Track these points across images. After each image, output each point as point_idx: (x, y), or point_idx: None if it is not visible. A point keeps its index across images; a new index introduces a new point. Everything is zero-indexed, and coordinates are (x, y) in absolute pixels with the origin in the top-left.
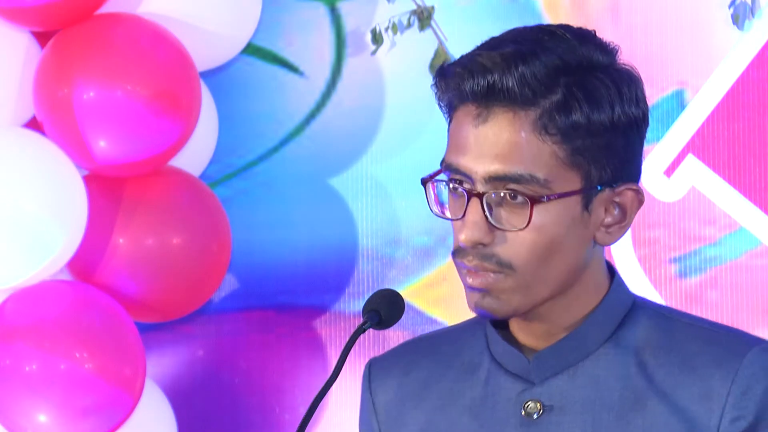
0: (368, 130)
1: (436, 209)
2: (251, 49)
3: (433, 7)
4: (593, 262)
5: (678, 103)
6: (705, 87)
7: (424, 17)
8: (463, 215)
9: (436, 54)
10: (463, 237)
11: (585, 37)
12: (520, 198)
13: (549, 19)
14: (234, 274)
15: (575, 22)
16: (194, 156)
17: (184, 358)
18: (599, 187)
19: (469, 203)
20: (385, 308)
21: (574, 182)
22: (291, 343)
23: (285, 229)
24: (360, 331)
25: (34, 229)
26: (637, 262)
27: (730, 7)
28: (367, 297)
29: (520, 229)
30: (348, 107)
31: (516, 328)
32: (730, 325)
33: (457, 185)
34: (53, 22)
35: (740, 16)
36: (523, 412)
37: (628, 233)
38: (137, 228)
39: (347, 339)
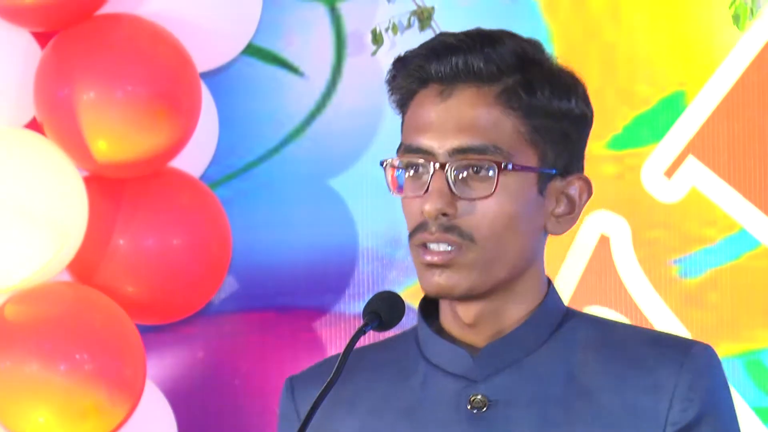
0: (368, 130)
1: (394, 191)
2: (251, 50)
3: (433, 8)
4: (538, 261)
5: (678, 103)
6: (705, 88)
7: (424, 18)
8: (426, 190)
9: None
10: (428, 207)
11: (535, 42)
12: (483, 167)
13: (549, 19)
14: (234, 275)
15: (575, 22)
16: (194, 157)
17: (184, 360)
18: (554, 171)
19: (433, 176)
20: (386, 310)
21: (531, 159)
22: (291, 344)
23: (285, 229)
24: (360, 332)
25: (35, 230)
26: (637, 263)
27: (730, 7)
28: (367, 298)
29: (485, 197)
30: (348, 108)
31: (456, 329)
32: (731, 326)
33: (418, 163)
34: (53, 23)
35: (740, 17)
36: (469, 406)
37: (628, 234)
38: (137, 229)
39: (348, 341)
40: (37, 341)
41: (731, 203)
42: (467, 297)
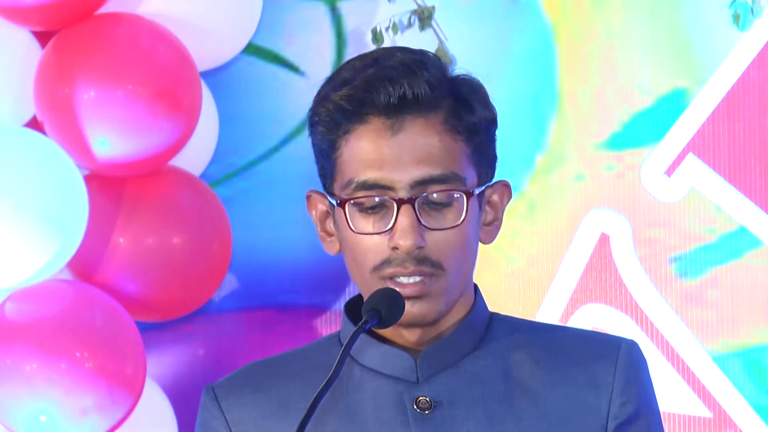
0: None
1: (355, 229)
2: (252, 49)
3: (433, 7)
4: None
5: (678, 103)
6: (705, 87)
7: (424, 17)
8: (393, 226)
9: (437, 54)
10: (405, 243)
11: (432, 54)
12: (449, 196)
13: (550, 18)
14: (234, 273)
15: (575, 22)
16: (195, 155)
17: (184, 358)
18: (490, 183)
19: (400, 211)
20: (386, 307)
21: (475, 180)
22: (292, 342)
23: (286, 228)
24: (360, 330)
25: (35, 229)
26: (637, 262)
27: (730, 7)
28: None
29: (456, 226)
30: None
31: (392, 333)
32: (730, 324)
33: (381, 198)
34: (54, 22)
35: (740, 16)
36: (415, 407)
37: (629, 232)
38: (138, 227)
39: (348, 338)
40: (37, 339)
41: (731, 202)
42: (434, 323)
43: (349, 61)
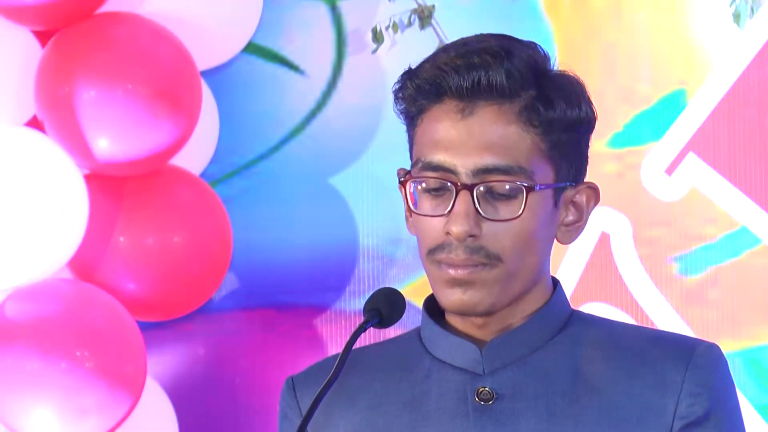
0: (369, 128)
1: (414, 209)
2: (252, 48)
3: (433, 6)
4: (546, 267)
5: (678, 102)
6: (705, 86)
7: (424, 16)
8: (450, 210)
9: None
10: (456, 229)
11: (535, 46)
12: (510, 188)
13: (550, 18)
14: (235, 272)
15: (577, 22)
16: (195, 155)
17: (185, 357)
18: (568, 183)
19: (458, 197)
20: (386, 307)
21: (549, 175)
22: (292, 341)
23: (286, 227)
24: (361, 329)
25: (35, 228)
26: (638, 261)
27: (730, 6)
28: (367, 296)
29: (513, 219)
30: (349, 106)
31: (463, 325)
32: (731, 323)
33: (441, 181)
34: (54, 21)
35: (740, 15)
36: (476, 399)
37: (629, 231)
38: (138, 227)
39: (348, 337)
40: (38, 338)
41: (731, 201)
42: (487, 314)
43: (451, 42)
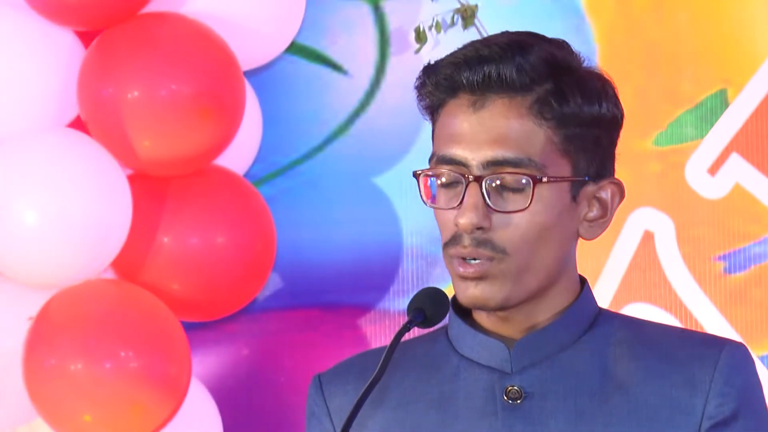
0: (412, 128)
1: (428, 202)
2: (295, 48)
3: (476, 6)
4: (571, 264)
5: (722, 101)
6: (748, 86)
7: (467, 16)
8: (460, 202)
9: None
10: (463, 221)
11: (562, 43)
12: (518, 181)
13: (592, 18)
14: (278, 272)
15: (619, 21)
16: (238, 155)
17: (228, 357)
18: (587, 178)
19: (467, 189)
20: (430, 306)
21: (565, 169)
22: (335, 341)
23: (329, 227)
24: (405, 329)
25: (80, 229)
26: (681, 260)
27: None
28: (411, 295)
29: (520, 210)
30: (392, 106)
31: (490, 323)
32: None
33: (453, 174)
34: (97, 22)
35: None
36: (505, 398)
37: (672, 230)
38: (182, 227)
39: (392, 337)
40: (82, 339)
41: None
42: (503, 308)
43: (476, 39)
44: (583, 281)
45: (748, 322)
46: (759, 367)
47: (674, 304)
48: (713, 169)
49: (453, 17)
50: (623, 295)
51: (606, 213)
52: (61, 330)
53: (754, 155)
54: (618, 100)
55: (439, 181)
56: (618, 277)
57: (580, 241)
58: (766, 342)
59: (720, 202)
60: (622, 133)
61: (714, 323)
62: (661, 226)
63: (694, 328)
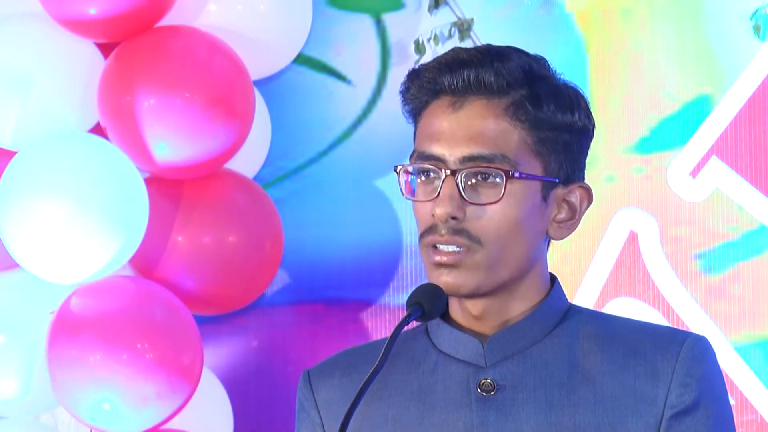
0: (411, 134)
1: (407, 195)
2: (302, 59)
3: (472, 19)
4: (541, 262)
5: (703, 108)
6: (728, 93)
7: (464, 28)
8: (437, 195)
9: None
10: (439, 210)
11: (540, 58)
12: (492, 176)
13: (582, 30)
14: (286, 269)
15: (605, 32)
16: (248, 159)
17: (239, 349)
18: (557, 180)
19: (444, 182)
20: (428, 301)
21: (537, 169)
22: (339, 334)
23: (333, 227)
24: (404, 322)
25: (100, 228)
26: (664, 258)
27: (751, 18)
28: (410, 291)
29: (493, 203)
30: (392, 113)
31: (466, 321)
32: (752, 317)
33: (431, 169)
34: (116, 34)
35: (761, 27)
36: (479, 390)
37: (656, 230)
38: (195, 227)
39: (392, 330)
40: (101, 331)
41: (753, 202)
42: (473, 295)
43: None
44: (553, 279)
45: (727, 316)
46: (732, 357)
47: (657, 299)
48: (694, 173)
49: (450, 30)
50: (609, 290)
51: (574, 216)
52: (82, 323)
53: (733, 160)
54: (590, 112)
55: (419, 179)
56: (605, 273)
57: (570, 239)
58: (743, 334)
59: (701, 204)
60: (611, 138)
61: (694, 317)
62: (645, 226)
63: (675, 323)
